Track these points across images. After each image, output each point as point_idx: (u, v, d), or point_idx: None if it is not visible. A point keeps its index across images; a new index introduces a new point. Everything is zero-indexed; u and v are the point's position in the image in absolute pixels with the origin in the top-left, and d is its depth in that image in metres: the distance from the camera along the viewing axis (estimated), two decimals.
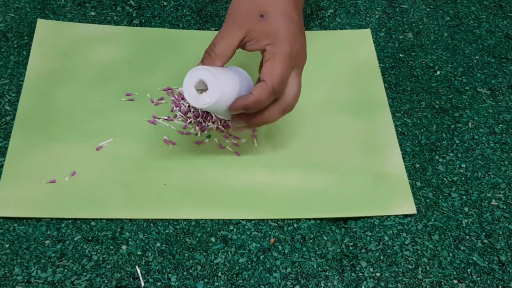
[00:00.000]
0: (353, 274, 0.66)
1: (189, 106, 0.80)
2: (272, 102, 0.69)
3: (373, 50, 0.90)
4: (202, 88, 0.66)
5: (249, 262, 0.67)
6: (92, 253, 0.66)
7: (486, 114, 0.84)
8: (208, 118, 0.79)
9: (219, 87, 0.65)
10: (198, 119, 0.78)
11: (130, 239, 0.67)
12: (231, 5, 0.72)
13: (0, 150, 0.73)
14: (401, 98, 0.85)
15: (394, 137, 0.79)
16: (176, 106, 0.80)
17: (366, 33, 0.92)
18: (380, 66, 0.89)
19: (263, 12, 0.70)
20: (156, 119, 0.78)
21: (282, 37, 0.69)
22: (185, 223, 0.69)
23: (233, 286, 0.64)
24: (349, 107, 0.82)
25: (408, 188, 0.74)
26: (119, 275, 0.64)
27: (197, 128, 0.78)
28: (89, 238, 0.67)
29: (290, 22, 0.70)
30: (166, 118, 0.79)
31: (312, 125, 0.79)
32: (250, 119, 0.70)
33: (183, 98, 0.80)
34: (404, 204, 0.72)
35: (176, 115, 0.79)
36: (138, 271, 0.64)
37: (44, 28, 0.87)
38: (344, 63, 0.88)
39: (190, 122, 0.78)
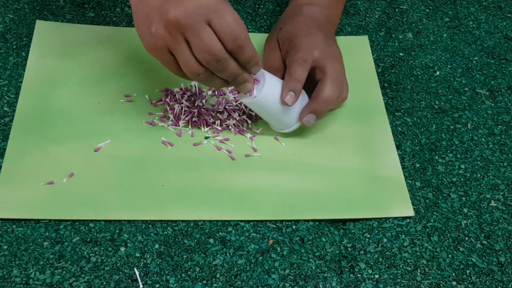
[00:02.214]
0: (351, 275, 0.66)
1: (188, 106, 0.79)
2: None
3: (370, 57, 0.90)
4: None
5: (248, 264, 0.66)
6: (91, 254, 0.66)
7: (485, 115, 0.84)
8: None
9: (265, 85, 0.72)
10: (196, 120, 0.78)
11: (128, 241, 0.67)
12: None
13: None
14: (401, 96, 0.85)
15: (391, 141, 0.79)
16: (174, 107, 0.80)
17: (364, 40, 0.92)
18: (380, 65, 0.89)
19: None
20: (154, 120, 0.78)
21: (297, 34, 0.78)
22: (183, 224, 0.69)
23: None
24: (347, 111, 0.82)
25: (405, 191, 0.74)
26: (117, 277, 0.64)
27: (195, 129, 0.78)
28: (88, 240, 0.67)
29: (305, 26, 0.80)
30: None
31: (310, 128, 0.79)
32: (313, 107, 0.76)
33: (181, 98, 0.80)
34: (401, 206, 0.72)
35: (175, 115, 0.79)
36: (137, 273, 0.64)
37: (43, 29, 0.87)
38: None
39: (189, 123, 0.78)
